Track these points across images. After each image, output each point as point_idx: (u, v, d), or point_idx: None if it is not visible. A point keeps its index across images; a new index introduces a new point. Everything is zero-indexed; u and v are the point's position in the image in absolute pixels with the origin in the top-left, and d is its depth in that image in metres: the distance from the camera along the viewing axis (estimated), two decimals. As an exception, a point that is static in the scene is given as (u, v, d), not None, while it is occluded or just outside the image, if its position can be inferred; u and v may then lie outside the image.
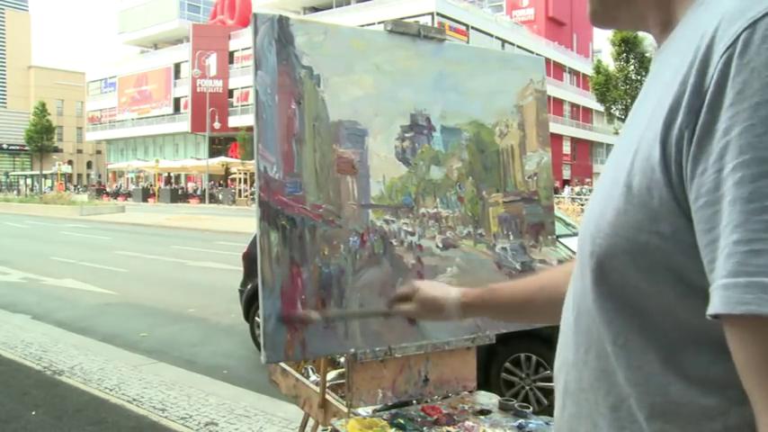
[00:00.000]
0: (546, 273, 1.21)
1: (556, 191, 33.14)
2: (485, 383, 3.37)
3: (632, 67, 30.54)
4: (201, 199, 40.01)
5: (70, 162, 67.98)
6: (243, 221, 19.75)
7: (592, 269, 0.65)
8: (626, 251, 0.60)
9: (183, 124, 50.98)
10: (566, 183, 44.41)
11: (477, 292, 1.23)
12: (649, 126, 0.58)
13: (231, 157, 44.82)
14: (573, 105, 52.95)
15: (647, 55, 29.59)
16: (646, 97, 0.64)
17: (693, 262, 0.54)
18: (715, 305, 0.50)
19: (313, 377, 2.35)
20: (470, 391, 2.04)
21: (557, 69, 48.87)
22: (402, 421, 1.74)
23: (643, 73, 29.60)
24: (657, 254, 0.57)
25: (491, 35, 42.41)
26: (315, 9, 47.29)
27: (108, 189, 50.47)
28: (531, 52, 33.97)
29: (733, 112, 0.49)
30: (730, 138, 0.49)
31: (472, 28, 41.34)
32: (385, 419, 1.75)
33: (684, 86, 0.54)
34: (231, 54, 49.18)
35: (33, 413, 3.88)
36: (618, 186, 0.60)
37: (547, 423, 1.77)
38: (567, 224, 5.73)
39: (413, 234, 1.93)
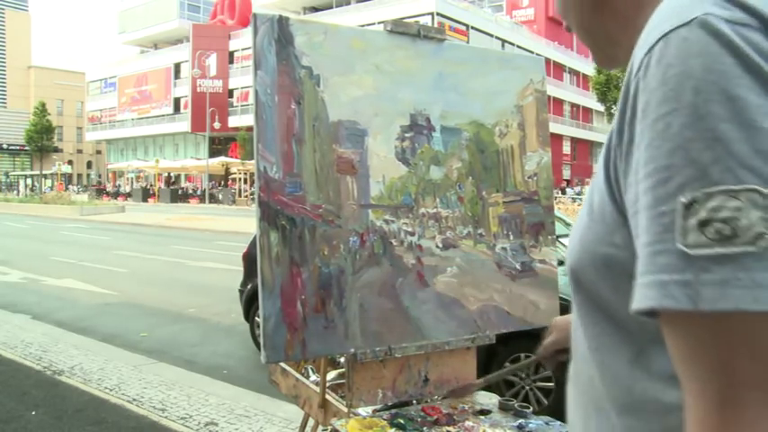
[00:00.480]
0: None
1: (563, 191, 33.15)
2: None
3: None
4: (201, 199, 40.01)
5: (70, 162, 67.98)
6: (243, 221, 19.75)
7: (571, 281, 0.72)
8: (592, 263, 0.67)
9: (183, 124, 50.95)
10: (567, 183, 44.40)
11: None
12: (603, 148, 0.66)
13: (231, 157, 44.82)
14: (573, 105, 52.92)
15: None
16: None
17: None
18: (632, 303, 0.56)
19: (313, 377, 2.35)
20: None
21: (557, 69, 48.84)
22: (402, 421, 1.74)
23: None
24: (617, 263, 0.63)
25: (491, 35, 42.38)
26: (315, 9, 47.27)
27: (109, 189, 50.41)
28: (531, 52, 33.96)
29: (640, 129, 0.56)
30: (640, 152, 0.56)
31: (472, 28, 41.32)
32: (385, 419, 1.75)
33: (618, 109, 0.61)
34: (231, 54, 49.16)
35: (33, 413, 3.88)
36: (585, 206, 0.69)
37: (547, 423, 1.77)
38: (567, 224, 5.73)
39: (413, 234, 1.93)
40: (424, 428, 1.72)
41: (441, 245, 1.98)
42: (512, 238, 2.11)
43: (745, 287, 0.49)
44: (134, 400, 4.16)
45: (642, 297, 0.54)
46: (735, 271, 0.50)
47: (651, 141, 0.55)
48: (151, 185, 49.19)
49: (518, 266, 2.11)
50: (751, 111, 0.51)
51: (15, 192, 52.56)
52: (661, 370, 0.62)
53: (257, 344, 5.33)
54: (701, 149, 0.51)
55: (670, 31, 0.55)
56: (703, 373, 0.52)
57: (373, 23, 31.94)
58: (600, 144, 56.84)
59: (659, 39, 0.55)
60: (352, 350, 1.80)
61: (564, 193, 32.27)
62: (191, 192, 44.31)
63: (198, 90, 47.48)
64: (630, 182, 0.58)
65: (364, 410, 1.86)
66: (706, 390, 0.52)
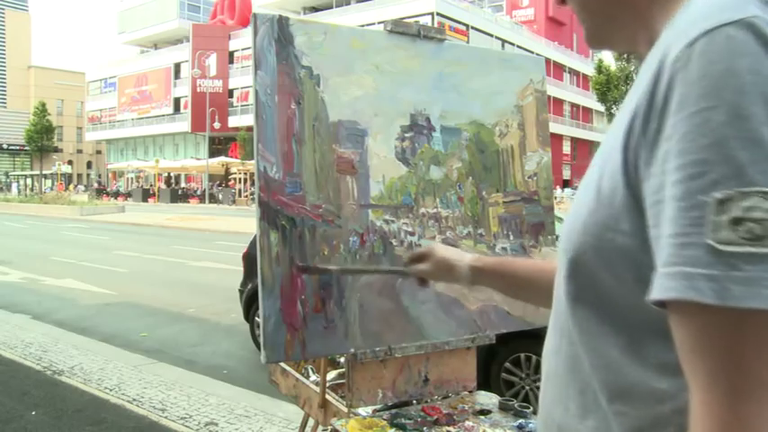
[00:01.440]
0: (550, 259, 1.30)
1: (567, 183, 33.12)
2: (485, 383, 3.37)
3: (633, 67, 30.59)
4: (201, 199, 40.00)
5: (70, 162, 67.97)
6: (243, 221, 19.74)
7: (566, 264, 0.71)
8: (594, 248, 0.66)
9: (183, 124, 50.94)
10: (566, 183, 44.40)
11: (490, 260, 1.32)
12: (617, 133, 0.64)
13: (231, 157, 44.81)
14: (573, 105, 52.94)
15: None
16: (624, 106, 0.68)
17: (649, 258, 0.58)
18: (651, 292, 0.56)
19: (313, 377, 2.34)
20: (470, 391, 2.04)
21: (557, 69, 48.84)
22: (402, 421, 1.74)
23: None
24: (621, 250, 0.63)
25: (491, 35, 42.38)
26: (315, 9, 47.27)
27: (111, 189, 50.35)
28: (531, 52, 33.96)
29: (674, 121, 0.56)
30: (671, 144, 0.55)
31: (472, 28, 41.32)
32: (385, 419, 1.75)
33: (644, 97, 0.60)
34: (231, 54, 49.15)
35: (33, 413, 3.88)
36: (591, 189, 0.67)
37: (547, 423, 1.77)
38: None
39: (413, 234, 1.93)
40: (424, 428, 1.72)
41: (441, 245, 1.98)
42: (512, 238, 2.11)
43: None
44: (134, 400, 4.16)
45: (663, 287, 0.54)
46: (764, 271, 0.50)
47: (686, 134, 0.54)
48: (151, 185, 49.17)
49: (518, 266, 2.11)
50: None
51: (15, 191, 52.48)
52: (655, 359, 0.62)
53: (257, 344, 5.33)
54: (739, 148, 0.52)
55: (714, 28, 0.55)
56: (715, 367, 0.53)
57: (373, 23, 31.95)
58: (600, 144, 56.85)
59: (702, 34, 0.55)
60: (352, 350, 1.80)
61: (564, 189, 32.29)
62: (191, 192, 44.28)
63: (198, 90, 47.46)
64: (654, 172, 0.57)
65: (364, 410, 1.86)
66: (717, 384, 0.52)
